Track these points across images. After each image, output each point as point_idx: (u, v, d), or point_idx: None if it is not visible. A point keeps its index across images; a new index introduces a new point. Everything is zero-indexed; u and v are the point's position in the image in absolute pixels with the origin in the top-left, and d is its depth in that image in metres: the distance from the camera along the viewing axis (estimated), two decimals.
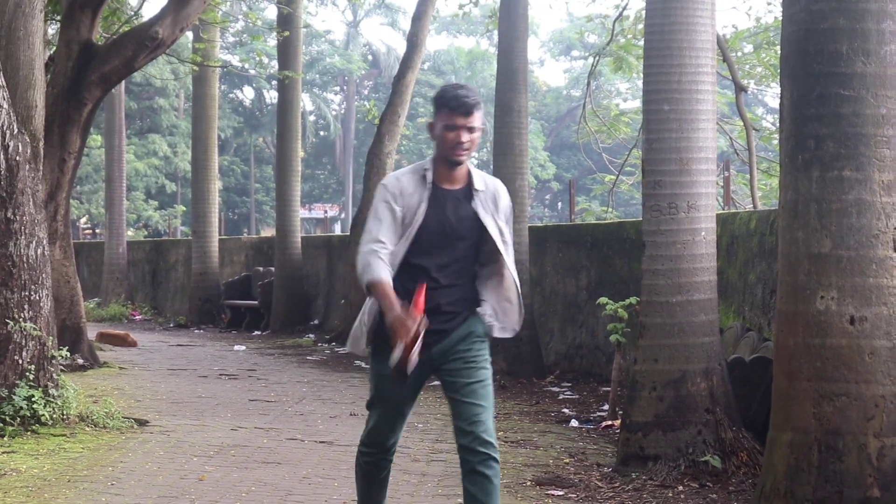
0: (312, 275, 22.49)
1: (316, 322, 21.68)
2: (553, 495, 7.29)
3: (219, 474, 7.66)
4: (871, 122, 5.79)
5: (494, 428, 5.12)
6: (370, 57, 68.25)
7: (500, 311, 5.21)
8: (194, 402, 11.42)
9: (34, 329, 9.20)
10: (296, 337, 20.05)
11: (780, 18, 6.33)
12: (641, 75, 8.53)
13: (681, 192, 7.90)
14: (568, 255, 14.67)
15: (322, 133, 67.48)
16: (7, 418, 8.91)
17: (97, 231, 47.56)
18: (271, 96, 61.09)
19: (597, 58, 17.74)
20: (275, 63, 25.45)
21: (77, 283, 14.15)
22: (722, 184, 15.27)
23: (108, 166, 28.45)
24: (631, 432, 7.93)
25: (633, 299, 10.00)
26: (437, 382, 5.26)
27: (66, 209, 13.81)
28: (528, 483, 7.57)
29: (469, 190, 5.16)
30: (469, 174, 5.18)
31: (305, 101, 60.83)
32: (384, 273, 4.97)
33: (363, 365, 15.45)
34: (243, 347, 18.33)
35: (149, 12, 16.51)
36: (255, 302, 22.57)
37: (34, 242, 9.28)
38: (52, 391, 9.32)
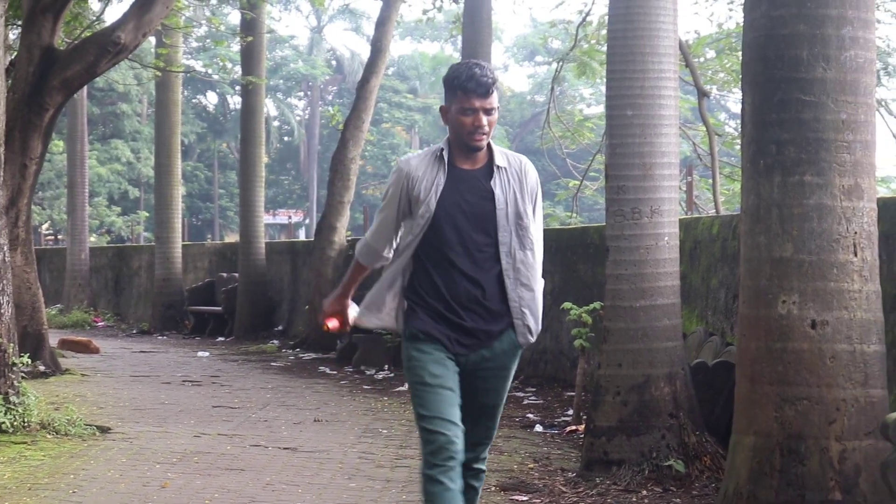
0: (276, 281, 22.43)
1: (280, 328, 21.61)
2: (517, 500, 7.29)
3: (182, 481, 7.62)
4: (831, 127, 5.82)
5: None
6: (334, 62, 68.20)
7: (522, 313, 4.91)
8: (157, 409, 11.35)
9: None
10: (260, 343, 19.97)
11: (742, 24, 6.35)
12: (605, 80, 8.55)
13: (644, 197, 7.93)
14: None
15: (286, 138, 67.34)
16: None
17: (59, 237, 47.28)
18: (235, 102, 60.96)
19: (560, 63, 17.77)
20: (238, 68, 25.35)
21: (39, 290, 14.06)
22: (685, 189, 15.33)
23: (70, 172, 28.29)
24: (595, 437, 7.94)
25: (596, 304, 10.02)
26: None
27: (28, 215, 13.73)
28: (493, 488, 7.56)
29: (490, 168, 4.80)
30: (490, 151, 4.81)
31: (269, 107, 60.67)
32: (368, 259, 4.94)
33: (327, 371, 15.42)
34: (207, 354, 18.24)
35: (111, 17, 16.44)
36: (219, 308, 22.47)
37: None
38: (13, 398, 9.25)
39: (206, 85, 59.65)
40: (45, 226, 48.51)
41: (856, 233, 5.84)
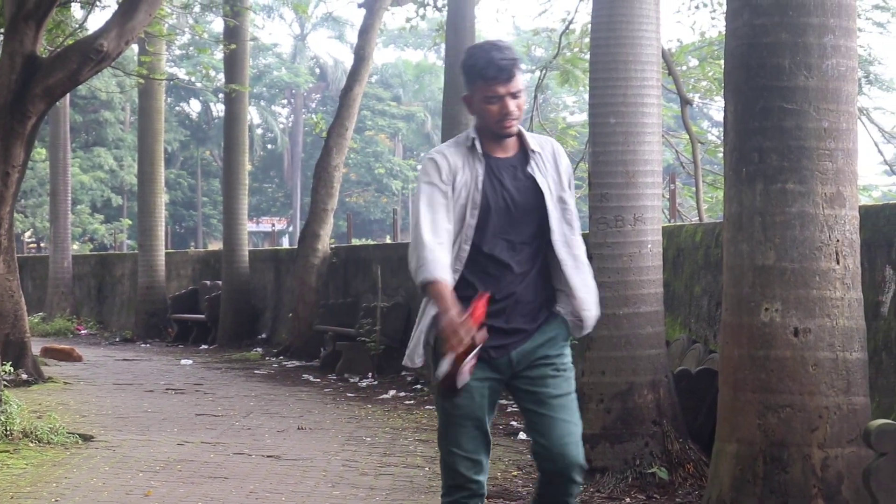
0: (260, 288, 22.40)
1: (263, 336, 21.58)
2: None
3: (165, 489, 7.60)
4: (813, 135, 5.84)
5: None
6: (317, 70, 68.24)
7: (573, 305, 4.49)
8: (140, 417, 11.32)
9: None
10: (243, 351, 19.94)
11: (724, 33, 6.38)
12: (588, 88, 8.56)
13: (627, 204, 7.94)
14: None
15: (269, 146, 67.34)
16: None
17: (42, 245, 47.13)
18: (218, 109, 60.86)
19: (543, 71, 17.80)
20: (221, 76, 25.30)
21: (21, 298, 14.03)
22: (668, 196, 15.36)
23: (52, 180, 28.22)
24: None
25: None
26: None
27: (10, 223, 13.69)
28: None
29: (525, 154, 4.45)
30: (520, 137, 4.46)
31: (252, 115, 60.67)
32: (440, 271, 4.19)
33: (311, 379, 15.40)
34: (190, 362, 18.21)
35: (94, 25, 16.35)
36: (202, 316, 22.42)
37: None
38: None
39: (190, 93, 59.60)
40: (27, 234, 48.36)
41: (838, 241, 5.86)
